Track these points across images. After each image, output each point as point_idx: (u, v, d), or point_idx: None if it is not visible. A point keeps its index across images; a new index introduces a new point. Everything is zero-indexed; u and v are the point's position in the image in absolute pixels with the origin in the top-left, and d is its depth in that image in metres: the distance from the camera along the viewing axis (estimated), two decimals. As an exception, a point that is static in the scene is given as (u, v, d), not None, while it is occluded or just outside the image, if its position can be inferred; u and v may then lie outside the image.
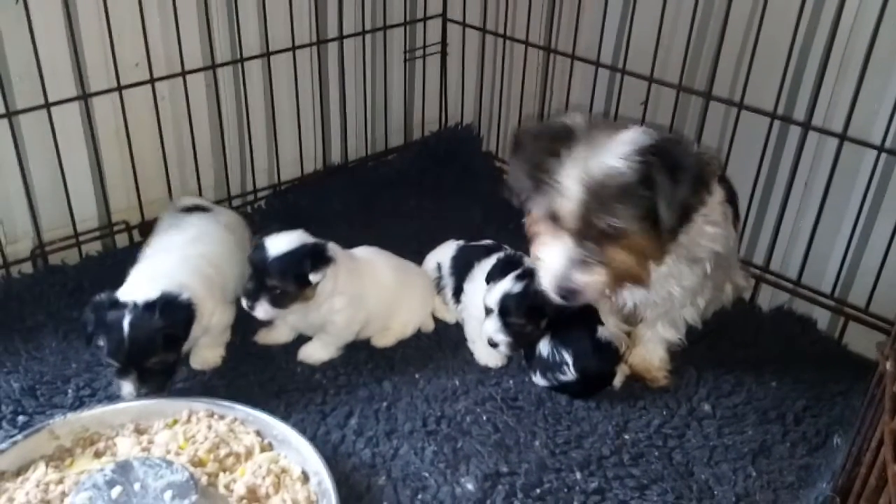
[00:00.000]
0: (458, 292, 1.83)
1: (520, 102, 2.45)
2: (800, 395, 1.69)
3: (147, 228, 2.00)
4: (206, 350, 1.67)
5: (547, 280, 1.44)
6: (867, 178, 1.83)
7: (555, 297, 1.45)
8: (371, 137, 2.46)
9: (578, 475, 1.47)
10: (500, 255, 1.79)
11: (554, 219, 1.41)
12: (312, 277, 1.59)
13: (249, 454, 1.42)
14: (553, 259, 1.42)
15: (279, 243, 1.60)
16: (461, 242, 1.93)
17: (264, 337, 1.76)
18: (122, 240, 2.00)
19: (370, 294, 1.71)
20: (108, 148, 1.92)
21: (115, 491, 1.21)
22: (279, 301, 1.61)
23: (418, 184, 2.41)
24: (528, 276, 1.62)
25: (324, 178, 2.34)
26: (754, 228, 2.16)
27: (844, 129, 1.80)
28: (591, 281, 1.41)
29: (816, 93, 1.83)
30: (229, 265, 1.73)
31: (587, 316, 1.66)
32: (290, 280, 1.60)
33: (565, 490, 1.44)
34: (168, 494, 1.21)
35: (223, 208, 1.93)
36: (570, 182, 1.36)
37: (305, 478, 1.38)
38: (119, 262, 1.91)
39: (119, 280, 1.80)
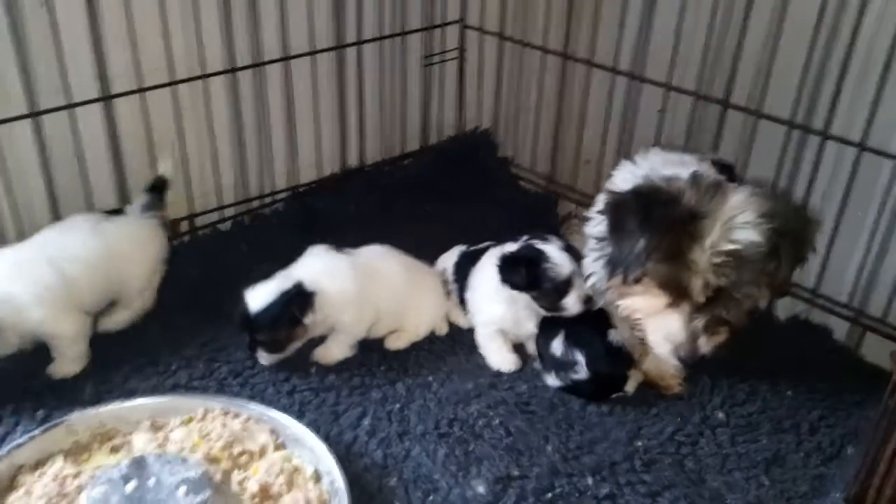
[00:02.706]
0: (462, 298, 1.84)
1: (537, 109, 2.46)
2: (815, 405, 1.68)
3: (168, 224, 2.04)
4: (60, 361, 1.63)
5: (668, 347, 1.48)
6: (885, 187, 1.81)
7: (675, 364, 1.52)
8: (388, 141, 2.47)
9: (590, 480, 1.47)
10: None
11: (675, 290, 1.43)
12: (306, 321, 1.64)
13: (263, 452, 1.43)
14: (674, 328, 1.45)
15: (258, 297, 1.63)
16: (464, 248, 1.93)
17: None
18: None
19: (377, 292, 1.72)
20: (130, 149, 1.94)
21: (130, 486, 1.22)
22: (277, 348, 1.66)
23: (435, 188, 2.42)
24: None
25: (341, 181, 2.35)
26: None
27: (862, 138, 1.79)
28: (715, 344, 1.47)
29: (835, 101, 1.82)
30: (85, 274, 1.64)
31: (599, 319, 1.67)
32: (280, 329, 1.64)
33: (576, 495, 1.44)
34: (182, 490, 1.22)
35: (139, 217, 1.80)
36: (700, 255, 1.38)
37: (318, 477, 1.39)
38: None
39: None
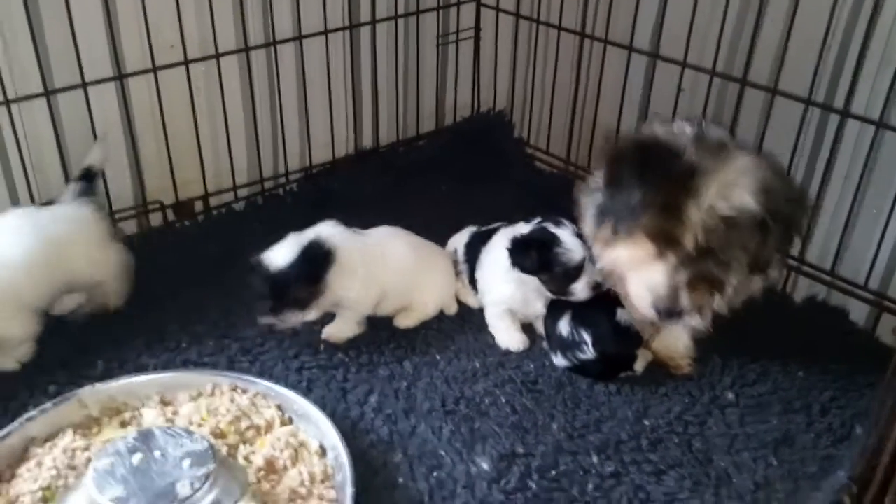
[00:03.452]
0: (473, 279, 1.84)
1: (552, 88, 2.44)
2: (827, 386, 1.66)
3: (181, 209, 2.06)
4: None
5: (648, 299, 1.45)
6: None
7: (651, 316, 1.48)
8: (403, 122, 2.47)
9: (595, 458, 1.47)
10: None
11: (664, 242, 1.41)
12: (331, 274, 1.62)
13: (269, 427, 1.45)
14: (656, 279, 1.43)
15: (277, 256, 1.62)
16: (474, 229, 1.93)
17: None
18: (156, 219, 2.04)
19: (383, 272, 1.73)
20: (144, 129, 1.97)
21: (136, 458, 1.24)
22: (303, 305, 1.64)
23: (449, 169, 2.41)
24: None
25: (355, 162, 2.36)
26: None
27: (882, 116, 1.76)
28: (694, 302, 1.45)
29: (855, 79, 1.78)
30: (24, 272, 1.55)
31: (607, 299, 1.66)
32: (304, 283, 1.62)
33: (581, 472, 1.44)
34: (187, 462, 1.24)
35: (71, 204, 1.71)
36: (695, 212, 1.36)
37: (323, 452, 1.40)
38: (152, 241, 1.99)
39: (151, 260, 1.88)
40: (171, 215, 2.05)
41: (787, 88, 1.88)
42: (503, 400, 1.60)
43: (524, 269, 1.68)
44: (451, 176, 2.39)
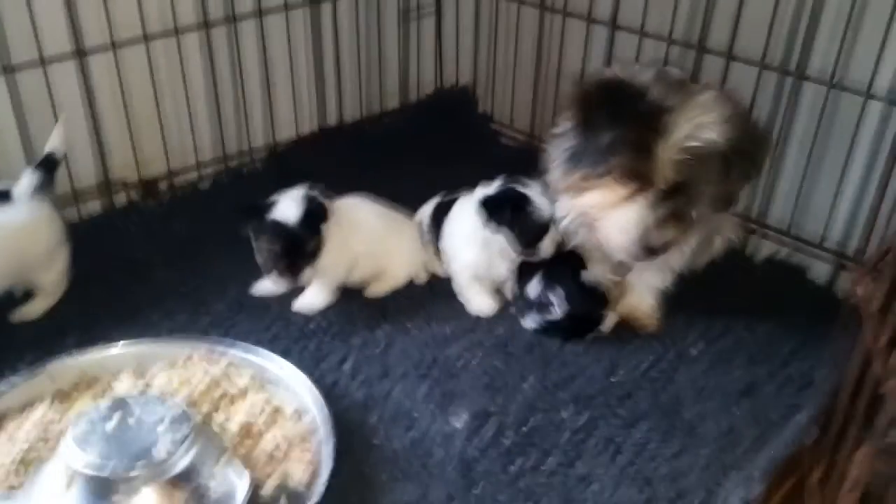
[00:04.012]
0: (438, 248, 1.86)
1: (514, 63, 2.47)
2: (788, 340, 1.71)
3: (146, 188, 2.05)
4: None
5: (624, 238, 1.47)
6: (869, 127, 1.83)
7: (628, 256, 1.51)
8: (367, 99, 2.47)
9: (566, 414, 1.50)
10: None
11: (636, 181, 1.43)
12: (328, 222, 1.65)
13: (244, 394, 1.46)
14: (630, 218, 1.45)
15: (289, 208, 1.62)
16: (439, 199, 1.95)
17: (261, 288, 1.79)
18: (120, 198, 2.02)
19: (354, 237, 1.74)
20: (105, 107, 1.94)
21: (111, 424, 1.24)
22: (313, 258, 1.65)
23: (414, 145, 2.42)
24: None
25: (319, 138, 2.36)
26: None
27: (834, 77, 1.81)
28: (669, 239, 1.47)
29: (811, 42, 1.83)
30: None
31: (572, 260, 1.69)
32: (315, 235, 1.64)
33: (553, 427, 1.47)
34: (162, 427, 1.24)
35: (28, 202, 1.64)
36: (666, 147, 1.39)
37: (298, 416, 1.41)
38: (117, 221, 1.97)
39: (117, 240, 1.87)
40: (135, 195, 2.03)
41: (742, 53, 1.93)
42: (475, 363, 1.62)
43: (499, 224, 1.69)
44: (417, 152, 2.40)
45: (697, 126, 1.39)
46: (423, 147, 2.42)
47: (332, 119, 2.41)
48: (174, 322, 1.69)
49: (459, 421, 1.47)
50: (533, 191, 1.70)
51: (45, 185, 1.67)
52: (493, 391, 1.54)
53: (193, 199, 2.09)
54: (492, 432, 1.45)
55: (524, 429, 1.46)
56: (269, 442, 1.35)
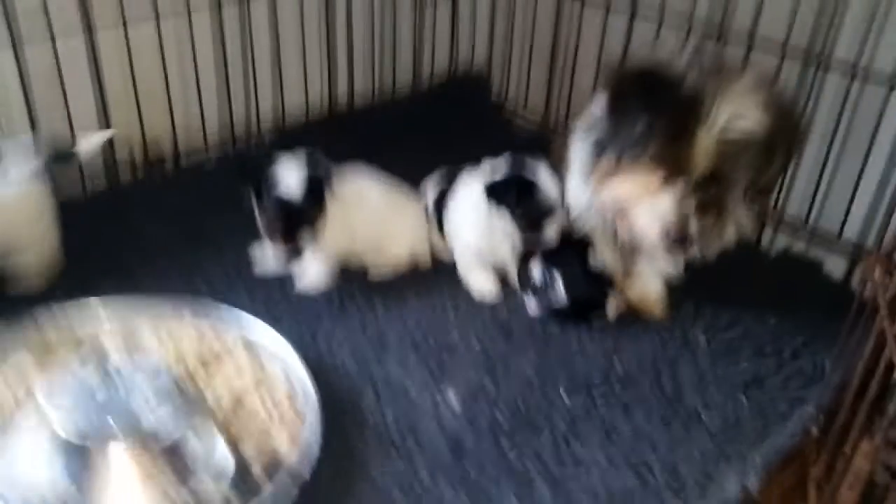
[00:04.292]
0: (441, 225, 1.83)
1: (530, 49, 2.43)
2: (799, 333, 1.65)
3: (152, 164, 2.03)
4: None
5: (657, 227, 1.42)
6: (876, 117, 1.78)
7: (661, 246, 1.45)
8: (379, 82, 2.44)
9: (565, 395, 1.46)
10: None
11: (672, 169, 1.39)
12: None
13: (232, 359, 1.43)
14: (665, 207, 1.40)
15: (293, 173, 1.60)
16: (443, 172, 1.92)
17: (261, 260, 1.76)
18: (125, 174, 2.00)
19: (354, 210, 1.71)
20: (113, 84, 1.92)
21: (87, 379, 1.21)
22: (315, 223, 1.62)
23: (425, 129, 2.39)
24: None
25: (328, 120, 2.33)
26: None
27: (857, 66, 1.76)
28: (703, 227, 1.43)
29: (834, 29, 1.78)
30: None
31: (578, 243, 1.65)
32: (319, 199, 1.61)
33: (550, 408, 1.43)
34: (142, 384, 1.22)
35: (27, 183, 1.60)
36: (704, 135, 1.35)
37: (286, 379, 1.38)
38: (121, 196, 1.95)
39: (119, 214, 1.85)
40: (141, 173, 2.01)
41: (764, 43, 1.88)
42: (474, 341, 1.59)
43: (504, 206, 1.66)
44: (428, 136, 2.37)
45: (737, 114, 1.35)
46: (434, 131, 2.39)
47: (342, 101, 2.38)
48: (168, 284, 1.66)
49: (455, 398, 1.43)
50: (540, 173, 1.66)
51: (51, 170, 1.65)
52: (491, 369, 1.51)
53: (199, 176, 2.06)
54: (487, 410, 1.41)
55: (521, 408, 1.42)
56: (255, 411, 1.32)
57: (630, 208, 1.46)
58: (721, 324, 1.67)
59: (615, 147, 1.43)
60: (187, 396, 1.25)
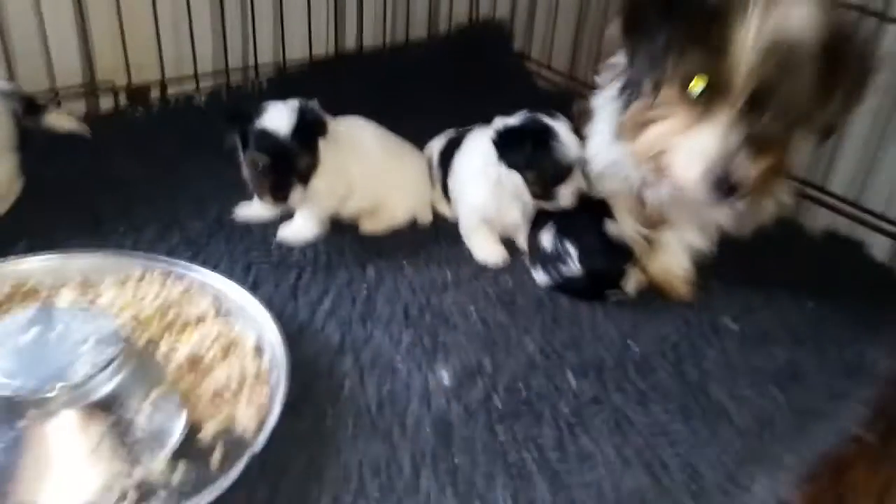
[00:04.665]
0: (446, 186, 1.65)
1: (556, 5, 2.23)
2: (841, 320, 1.47)
3: (135, 94, 1.86)
4: None
5: (696, 170, 1.15)
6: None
7: (705, 195, 1.16)
8: (391, 26, 2.25)
9: (572, 379, 1.28)
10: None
11: (710, 95, 1.14)
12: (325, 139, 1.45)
13: (201, 320, 1.25)
14: (706, 143, 1.13)
15: (282, 118, 1.41)
16: (452, 131, 1.73)
17: (245, 211, 1.59)
18: (106, 102, 1.83)
19: (352, 162, 1.53)
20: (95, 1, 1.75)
21: (26, 337, 1.05)
22: (307, 175, 1.44)
23: (439, 79, 2.20)
24: None
25: (335, 62, 2.15)
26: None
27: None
28: (755, 173, 1.14)
29: None
30: None
31: (596, 209, 1.47)
32: (308, 150, 1.43)
33: (555, 393, 1.25)
34: (89, 343, 1.05)
35: None
36: (742, 45, 1.09)
37: (259, 350, 1.21)
38: (100, 126, 1.78)
39: (97, 146, 1.68)
40: (123, 100, 1.84)
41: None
42: (474, 313, 1.41)
43: (513, 165, 1.47)
44: (441, 86, 2.18)
45: (783, 14, 1.09)
46: (448, 81, 2.20)
47: (350, 44, 2.19)
48: (141, 234, 1.50)
49: (447, 375, 1.26)
50: (561, 124, 1.47)
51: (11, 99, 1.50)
52: (491, 346, 1.33)
53: (186, 112, 1.90)
54: (482, 391, 1.23)
55: (522, 390, 1.24)
56: (218, 378, 1.15)
57: (666, 156, 1.20)
58: (753, 307, 1.49)
59: (637, 79, 1.21)
60: (134, 353, 1.09)
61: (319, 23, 2.10)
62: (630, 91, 1.23)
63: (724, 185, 1.14)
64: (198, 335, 1.21)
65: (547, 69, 2.28)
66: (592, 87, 2.11)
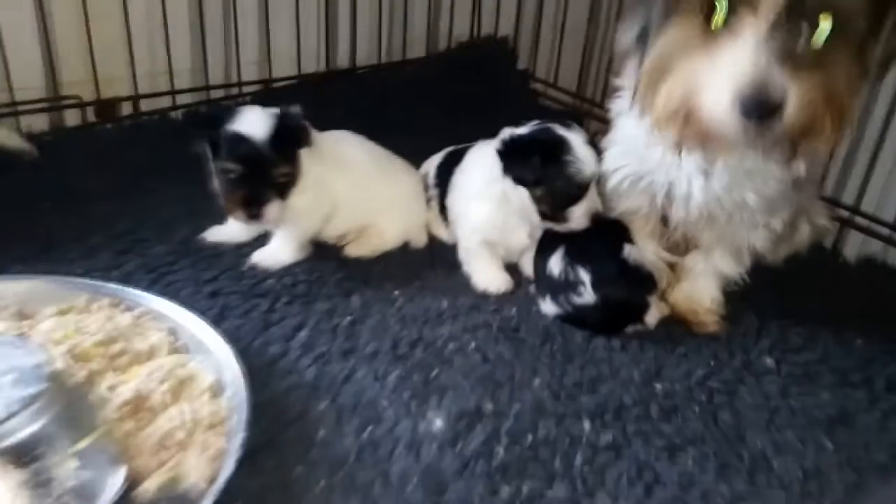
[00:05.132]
0: (444, 206, 1.48)
1: (563, 15, 2.09)
2: (893, 356, 1.29)
3: (103, 108, 1.70)
4: None
5: (726, 97, 0.95)
6: None
7: (742, 117, 0.96)
8: (387, 44, 2.11)
9: (587, 425, 1.09)
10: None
11: (736, 14, 0.95)
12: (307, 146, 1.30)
13: (152, 355, 1.08)
14: (739, 56, 0.94)
15: (258, 123, 1.25)
16: (451, 148, 1.57)
17: (216, 234, 1.43)
18: (72, 117, 1.68)
19: (337, 179, 1.38)
20: (59, 7, 1.61)
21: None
22: (285, 189, 1.29)
23: (436, 98, 2.06)
24: None
25: (326, 80, 2.00)
26: (845, 162, 1.76)
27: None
28: (801, 94, 0.95)
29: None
30: None
31: (613, 230, 1.30)
32: (286, 159, 1.28)
33: (567, 441, 1.06)
34: (8, 378, 0.88)
35: None
36: None
37: (214, 393, 1.03)
38: (64, 142, 1.63)
39: (59, 163, 1.53)
40: (91, 115, 1.69)
41: None
42: (473, 347, 1.23)
43: (519, 180, 1.31)
44: (439, 106, 2.04)
45: None
46: (447, 101, 2.06)
47: (342, 62, 2.04)
48: (94, 260, 1.33)
49: (440, 420, 1.07)
50: (576, 136, 1.31)
51: None
52: (492, 386, 1.15)
53: (159, 128, 1.74)
54: (481, 439, 1.04)
55: (529, 438, 1.06)
56: (166, 421, 0.97)
57: (692, 95, 1.01)
58: (793, 343, 1.31)
59: (652, 18, 1.03)
60: (64, 391, 0.91)
61: (309, 38, 1.96)
62: (647, 39, 1.06)
63: (762, 105, 0.95)
64: (145, 372, 1.03)
65: (553, 88, 2.13)
66: (602, 107, 1.97)
